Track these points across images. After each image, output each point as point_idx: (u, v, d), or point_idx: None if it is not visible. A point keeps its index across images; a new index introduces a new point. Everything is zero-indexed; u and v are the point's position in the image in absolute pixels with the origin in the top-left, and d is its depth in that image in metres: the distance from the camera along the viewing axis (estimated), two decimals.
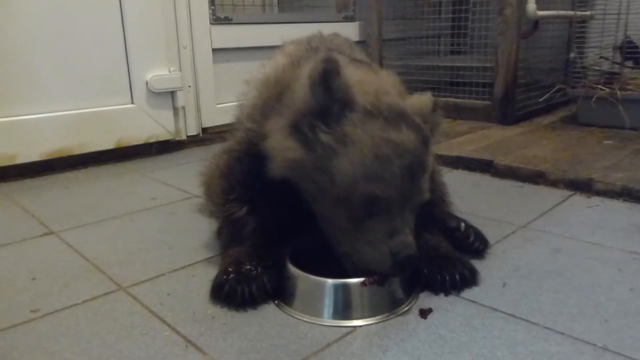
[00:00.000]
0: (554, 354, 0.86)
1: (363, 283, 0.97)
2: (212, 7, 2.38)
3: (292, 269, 1.03)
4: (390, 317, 0.97)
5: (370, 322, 0.96)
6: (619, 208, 1.52)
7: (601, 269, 1.15)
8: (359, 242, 0.95)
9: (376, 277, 0.97)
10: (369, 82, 1.01)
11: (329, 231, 1.01)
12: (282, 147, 0.98)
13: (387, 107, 0.95)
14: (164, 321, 0.98)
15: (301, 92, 0.95)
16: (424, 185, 0.96)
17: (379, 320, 0.96)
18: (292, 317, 0.98)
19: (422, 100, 1.03)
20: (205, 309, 1.02)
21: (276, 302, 1.03)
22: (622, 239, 1.30)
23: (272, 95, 1.08)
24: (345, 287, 0.98)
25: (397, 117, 0.94)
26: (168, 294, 1.08)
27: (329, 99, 0.92)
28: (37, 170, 1.97)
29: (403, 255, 0.93)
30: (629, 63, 2.56)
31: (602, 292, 1.05)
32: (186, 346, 0.90)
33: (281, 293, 1.04)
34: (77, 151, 2.03)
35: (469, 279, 1.06)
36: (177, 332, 0.94)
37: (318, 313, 0.98)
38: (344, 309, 0.98)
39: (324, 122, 0.93)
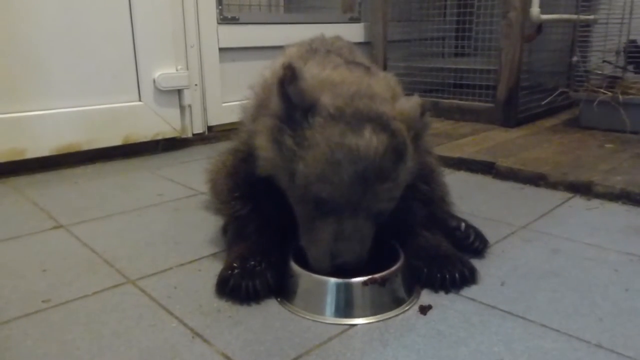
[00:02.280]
0: (549, 350, 0.88)
1: (364, 283, 0.99)
2: (220, 7, 2.40)
3: (295, 267, 1.05)
4: (392, 316, 0.99)
5: (371, 321, 0.98)
6: (617, 211, 1.55)
7: (598, 269, 1.18)
8: (309, 241, 1.00)
9: (377, 277, 0.99)
10: (349, 84, 1.01)
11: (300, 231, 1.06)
12: (262, 147, 1.04)
13: (354, 111, 0.95)
14: (171, 313, 1.01)
15: (275, 97, 1.01)
16: (383, 194, 0.95)
17: (381, 319, 0.98)
18: (295, 314, 1.01)
19: (409, 104, 1.03)
20: (211, 302, 1.05)
21: (279, 299, 1.05)
22: (620, 241, 1.33)
23: (267, 97, 1.12)
24: (348, 286, 1.00)
25: (361, 122, 0.93)
26: (175, 288, 1.11)
27: (288, 105, 0.97)
28: (46, 165, 2.00)
29: (341, 260, 0.95)
30: (631, 67, 2.58)
31: (598, 291, 1.08)
32: (193, 337, 0.93)
33: (284, 291, 1.06)
34: (86, 147, 2.07)
35: (468, 278, 1.09)
36: (184, 324, 0.97)
37: (320, 311, 1.00)
38: (345, 308, 0.99)
39: (290, 126, 0.98)
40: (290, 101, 0.96)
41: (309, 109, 0.96)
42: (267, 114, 1.05)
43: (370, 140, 0.92)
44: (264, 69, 1.29)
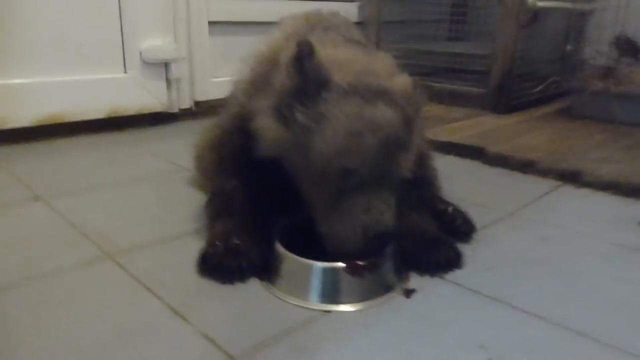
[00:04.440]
0: (533, 338, 0.87)
1: (352, 272, 0.96)
2: None
3: (281, 249, 1.02)
4: (380, 303, 0.97)
5: (359, 308, 0.95)
6: (606, 200, 1.54)
7: (585, 258, 1.17)
8: (334, 219, 0.95)
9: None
10: (354, 63, 1.01)
11: (311, 210, 1.01)
12: (265, 128, 1.00)
13: (365, 86, 0.95)
14: (151, 291, 0.99)
15: (280, 75, 0.98)
16: (404, 163, 0.95)
17: (368, 307, 0.96)
18: (279, 299, 0.98)
19: (402, 81, 1.03)
20: (193, 280, 1.02)
21: (264, 283, 1.02)
22: (608, 231, 1.32)
23: (265, 72, 1.09)
24: (335, 270, 0.97)
25: (374, 95, 0.94)
26: (156, 264, 1.08)
27: (303, 80, 0.94)
28: (26, 135, 1.94)
29: (376, 231, 0.92)
30: (628, 58, 2.56)
31: (585, 280, 1.07)
32: (173, 316, 0.91)
33: (269, 273, 1.03)
34: (68, 119, 2.01)
35: (454, 262, 1.08)
36: (164, 302, 0.95)
37: (305, 296, 0.97)
38: (332, 293, 0.97)
39: (301, 102, 0.95)
40: (304, 77, 0.94)
41: (323, 84, 0.94)
42: (268, 93, 1.01)
43: (385, 112, 0.92)
44: (258, 43, 1.25)
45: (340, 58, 1.00)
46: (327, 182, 0.94)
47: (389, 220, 0.94)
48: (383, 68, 1.03)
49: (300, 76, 0.94)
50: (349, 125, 0.91)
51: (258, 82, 1.09)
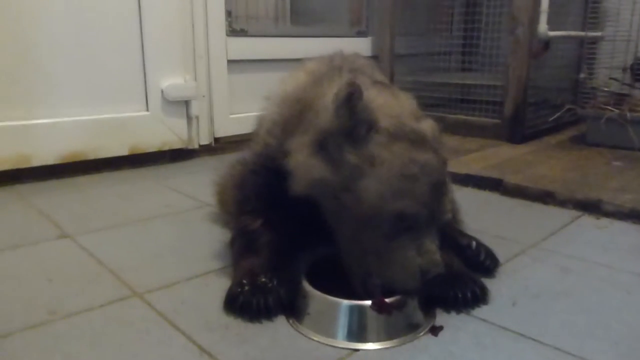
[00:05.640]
0: None
1: (379, 310, 0.97)
2: (229, 19, 2.41)
3: (308, 287, 1.03)
4: (407, 341, 0.96)
5: (386, 346, 0.95)
6: (627, 230, 1.53)
7: (610, 290, 1.16)
8: (387, 261, 0.97)
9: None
10: (391, 106, 1.03)
11: (352, 251, 1.02)
12: (306, 165, 1.00)
13: (410, 130, 0.98)
14: (178, 329, 1.00)
15: (326, 113, 0.99)
16: (447, 205, 0.99)
17: (395, 345, 0.95)
18: (306, 337, 0.97)
19: (430, 124, 1.05)
20: (219, 319, 1.03)
21: (290, 321, 1.02)
22: (631, 261, 1.31)
23: (294, 113, 1.11)
24: (361, 308, 0.97)
25: (420, 140, 0.97)
26: (182, 302, 1.10)
27: (353, 121, 0.95)
28: (51, 173, 1.99)
29: (433, 273, 0.96)
30: (639, 85, 2.58)
31: (612, 314, 1.06)
32: (200, 354, 0.92)
33: (295, 311, 1.03)
34: (92, 156, 2.06)
35: (480, 297, 1.07)
36: (192, 340, 0.96)
37: (333, 334, 0.96)
38: (359, 331, 0.96)
39: (350, 143, 0.96)
40: (354, 118, 0.95)
41: (372, 126, 0.96)
42: (307, 131, 1.03)
43: (431, 156, 0.97)
44: (282, 83, 1.26)
45: (377, 101, 1.02)
46: (379, 225, 0.95)
47: (440, 262, 0.97)
48: (411, 111, 1.05)
49: (351, 116, 0.95)
50: (404, 169, 0.93)
51: (290, 122, 1.11)
